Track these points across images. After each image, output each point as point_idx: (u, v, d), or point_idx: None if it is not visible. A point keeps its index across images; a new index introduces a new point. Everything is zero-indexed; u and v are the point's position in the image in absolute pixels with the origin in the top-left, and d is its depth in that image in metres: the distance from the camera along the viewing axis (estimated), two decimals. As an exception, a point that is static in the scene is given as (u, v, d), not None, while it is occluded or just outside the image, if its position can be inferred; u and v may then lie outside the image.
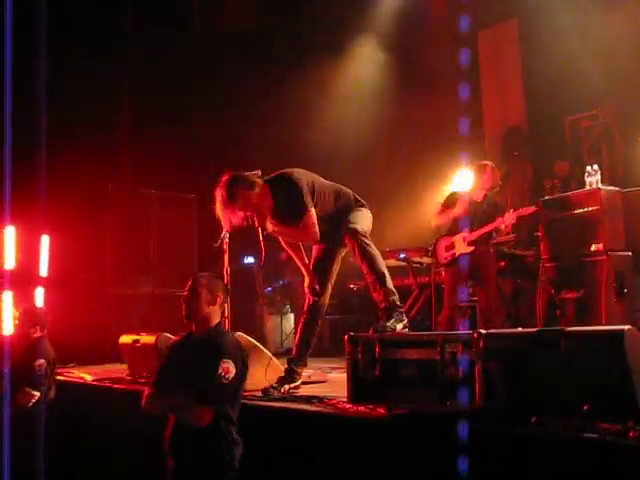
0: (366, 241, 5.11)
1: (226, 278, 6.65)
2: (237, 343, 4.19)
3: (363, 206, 5.45)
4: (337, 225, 5.23)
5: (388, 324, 4.87)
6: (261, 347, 5.50)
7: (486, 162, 7.63)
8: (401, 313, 5.06)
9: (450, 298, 7.25)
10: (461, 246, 7.34)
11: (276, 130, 11.51)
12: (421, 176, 10.87)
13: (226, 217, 5.08)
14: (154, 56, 11.02)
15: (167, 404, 4.00)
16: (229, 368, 3.91)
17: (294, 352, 5.45)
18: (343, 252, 5.54)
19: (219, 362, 3.91)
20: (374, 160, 11.84)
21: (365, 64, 11.88)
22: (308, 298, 5.48)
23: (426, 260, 8.84)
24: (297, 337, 5.48)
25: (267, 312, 10.84)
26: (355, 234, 5.09)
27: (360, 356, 4.39)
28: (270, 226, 5.08)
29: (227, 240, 6.53)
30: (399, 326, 4.93)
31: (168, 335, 6.10)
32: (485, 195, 7.41)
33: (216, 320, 4.18)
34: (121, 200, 10.26)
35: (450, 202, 7.45)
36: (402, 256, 9.00)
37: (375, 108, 11.27)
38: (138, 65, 11.36)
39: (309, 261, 5.59)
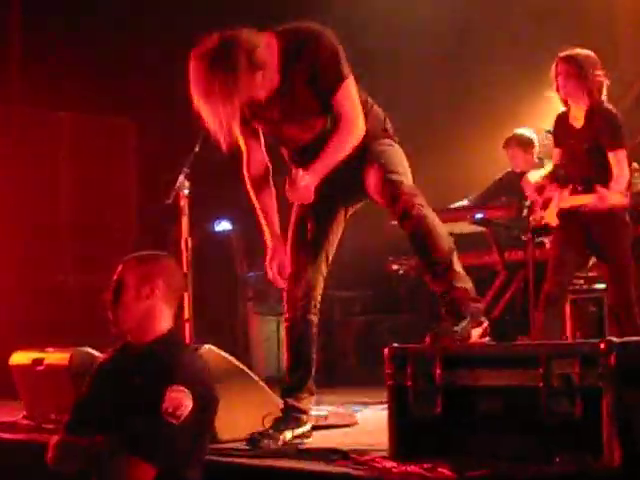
0: (419, 202, 5.10)
1: (184, 256, 6.71)
2: (197, 361, 4.21)
3: (392, 138, 5.48)
4: (348, 166, 5.22)
5: (457, 329, 4.88)
6: (245, 369, 5.53)
7: (579, 51, 7.63)
8: (478, 311, 5.07)
9: (556, 277, 7.26)
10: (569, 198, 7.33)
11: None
12: (504, 92, 10.87)
13: (221, 113, 5.05)
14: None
15: (86, 456, 4.02)
16: (181, 400, 3.91)
17: (288, 378, 5.51)
18: (349, 212, 5.65)
19: (165, 391, 3.92)
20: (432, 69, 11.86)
21: None
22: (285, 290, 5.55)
23: (521, 222, 8.81)
24: (286, 354, 5.55)
25: (254, 311, 10.88)
26: (402, 193, 5.08)
27: (410, 382, 4.40)
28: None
29: (186, 192, 6.57)
30: (475, 332, 4.94)
31: (90, 351, 6.13)
32: (587, 115, 7.37)
33: (163, 325, 4.20)
34: (19, 124, 10.46)
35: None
36: (479, 217, 8.97)
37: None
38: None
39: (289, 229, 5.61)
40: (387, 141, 5.38)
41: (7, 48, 11.65)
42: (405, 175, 5.22)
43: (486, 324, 5.07)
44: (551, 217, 7.13)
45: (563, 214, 6.96)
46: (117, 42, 11.60)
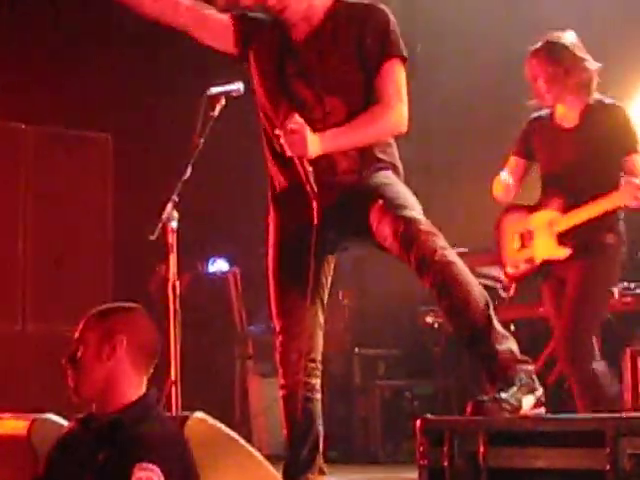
0: (441, 245, 5.09)
1: (171, 303, 6.72)
2: (173, 434, 4.21)
3: (396, 170, 5.53)
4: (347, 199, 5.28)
5: (504, 397, 4.87)
6: (243, 443, 5.52)
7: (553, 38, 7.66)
8: (529, 375, 5.06)
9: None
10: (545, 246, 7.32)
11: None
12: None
13: None
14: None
15: None
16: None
17: (290, 456, 5.54)
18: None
19: (133, 470, 3.92)
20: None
21: None
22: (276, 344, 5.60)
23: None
24: (285, 428, 5.58)
25: (254, 372, 10.89)
26: (417, 230, 5.07)
27: (447, 462, 4.40)
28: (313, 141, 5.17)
29: (173, 225, 6.59)
30: (527, 401, 4.93)
31: (54, 419, 6.13)
32: (584, 114, 7.37)
33: (130, 391, 4.20)
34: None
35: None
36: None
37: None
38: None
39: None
40: (391, 174, 5.42)
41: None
42: (417, 210, 5.22)
43: (540, 392, 5.06)
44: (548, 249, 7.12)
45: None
46: (90, 52, 11.73)
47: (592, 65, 6.74)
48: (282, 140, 5.15)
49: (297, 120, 5.09)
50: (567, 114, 6.85)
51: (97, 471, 4.00)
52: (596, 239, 6.73)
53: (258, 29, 5.55)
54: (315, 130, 5.24)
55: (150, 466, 3.88)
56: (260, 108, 5.60)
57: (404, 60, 5.36)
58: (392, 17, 5.37)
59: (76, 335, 4.19)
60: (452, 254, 5.07)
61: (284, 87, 5.44)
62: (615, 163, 6.77)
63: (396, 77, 5.30)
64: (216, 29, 5.59)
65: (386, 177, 5.31)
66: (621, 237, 6.82)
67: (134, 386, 4.19)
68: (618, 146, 6.74)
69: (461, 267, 5.06)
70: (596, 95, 6.84)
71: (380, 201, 5.13)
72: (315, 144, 5.11)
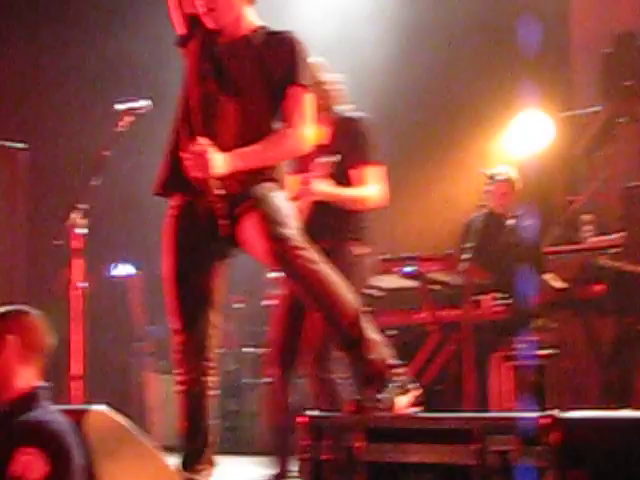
0: (311, 258, 5.11)
1: (75, 305, 6.66)
2: (57, 421, 4.15)
3: (280, 184, 5.49)
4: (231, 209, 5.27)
5: (384, 396, 4.88)
6: (140, 435, 5.47)
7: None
8: (404, 377, 5.07)
9: None
10: None
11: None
12: (445, 127, 10.98)
13: None
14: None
15: None
16: (31, 463, 3.87)
17: (185, 448, 5.49)
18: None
19: (12, 453, 3.88)
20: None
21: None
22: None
23: (455, 279, 8.88)
24: (180, 421, 5.53)
25: (152, 370, 10.83)
26: (289, 248, 5.07)
27: (328, 456, 4.37)
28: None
29: (80, 232, 6.54)
30: (401, 401, 4.94)
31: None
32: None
33: (19, 385, 4.19)
34: None
35: None
36: (410, 270, 9.02)
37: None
38: None
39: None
40: (273, 185, 5.38)
41: None
42: (293, 226, 5.20)
43: (415, 392, 5.07)
44: None
45: None
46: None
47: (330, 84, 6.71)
48: (186, 162, 5.12)
49: (202, 143, 5.07)
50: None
51: None
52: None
53: (197, 25, 5.53)
54: (214, 125, 5.32)
55: (31, 450, 3.86)
56: (183, 100, 5.54)
57: (304, 85, 5.38)
58: (304, 47, 5.41)
59: None
60: (322, 268, 5.08)
61: (200, 81, 5.43)
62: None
63: (301, 102, 5.33)
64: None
65: (269, 190, 5.28)
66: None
67: (24, 380, 4.17)
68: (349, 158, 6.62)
69: (331, 281, 5.08)
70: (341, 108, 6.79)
71: (260, 215, 5.14)
72: (221, 163, 5.09)
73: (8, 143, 10.74)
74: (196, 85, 5.42)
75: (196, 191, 5.21)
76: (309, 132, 5.36)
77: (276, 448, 6.66)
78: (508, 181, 9.43)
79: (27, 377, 4.20)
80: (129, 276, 11.00)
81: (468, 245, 8.73)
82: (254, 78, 5.38)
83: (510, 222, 9.32)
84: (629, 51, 11.03)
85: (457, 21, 11.30)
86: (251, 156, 5.21)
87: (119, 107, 6.33)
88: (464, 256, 8.56)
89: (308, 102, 5.39)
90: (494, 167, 9.14)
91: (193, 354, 5.42)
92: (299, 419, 4.55)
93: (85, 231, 6.54)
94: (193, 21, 5.49)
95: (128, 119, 6.35)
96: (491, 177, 8.65)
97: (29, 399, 4.16)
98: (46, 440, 3.96)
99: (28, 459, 3.86)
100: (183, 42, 5.56)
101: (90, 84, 11.51)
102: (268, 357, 6.76)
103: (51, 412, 4.19)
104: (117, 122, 6.33)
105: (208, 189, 5.13)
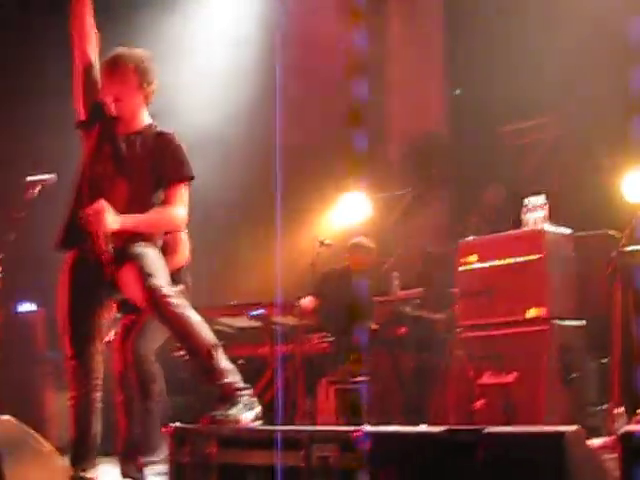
0: (176, 303, 5.12)
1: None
2: None
3: (155, 243, 5.47)
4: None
5: (232, 412, 4.87)
6: (39, 438, 5.40)
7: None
8: (250, 397, 5.07)
9: None
10: None
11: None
12: (289, 200, 10.95)
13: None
14: None
15: None
16: None
17: (74, 450, 5.32)
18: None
19: None
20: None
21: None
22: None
23: (291, 320, 8.91)
24: (71, 429, 5.37)
25: (52, 387, 10.65)
26: (157, 295, 5.08)
27: (188, 459, 4.36)
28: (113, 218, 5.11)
29: (-2, 276, 6.46)
30: (247, 416, 4.93)
31: None
32: None
33: None
34: None
35: None
36: (257, 312, 9.02)
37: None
38: None
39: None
40: (147, 243, 5.35)
41: None
42: (162, 277, 5.18)
43: (258, 409, 5.08)
44: None
45: None
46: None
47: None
48: (87, 216, 5.08)
49: (101, 203, 5.05)
50: None
51: None
52: None
53: (100, 113, 5.49)
54: (104, 196, 5.22)
55: None
56: (82, 174, 5.45)
57: (189, 179, 5.41)
58: (183, 146, 5.45)
59: None
60: (185, 312, 5.07)
61: (99, 160, 5.38)
62: None
63: (179, 192, 5.35)
64: (89, 85, 5.54)
65: (145, 247, 5.24)
66: None
67: None
68: None
69: (192, 322, 5.06)
70: None
71: (137, 267, 5.09)
72: (113, 221, 5.07)
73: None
74: (94, 163, 5.40)
75: (87, 245, 5.18)
76: (183, 212, 5.35)
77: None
78: (363, 247, 9.56)
79: None
80: (32, 312, 10.84)
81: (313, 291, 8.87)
82: (144, 166, 5.35)
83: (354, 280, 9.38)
84: (433, 147, 11.23)
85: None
86: (137, 221, 5.20)
87: (30, 179, 6.24)
88: (302, 302, 8.65)
89: (185, 191, 5.39)
90: (324, 235, 9.19)
91: (82, 376, 5.33)
92: (165, 429, 4.54)
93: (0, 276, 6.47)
94: (95, 109, 5.46)
95: (36, 189, 6.27)
96: (321, 242, 8.70)
97: None
98: None
99: None
100: (84, 126, 5.53)
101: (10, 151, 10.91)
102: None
103: None
104: (28, 191, 6.25)
105: (99, 241, 5.12)
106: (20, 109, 10.73)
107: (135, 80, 5.42)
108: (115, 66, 5.42)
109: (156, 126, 5.53)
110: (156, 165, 5.37)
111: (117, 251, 5.19)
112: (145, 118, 5.53)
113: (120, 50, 5.49)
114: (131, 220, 5.20)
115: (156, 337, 5.84)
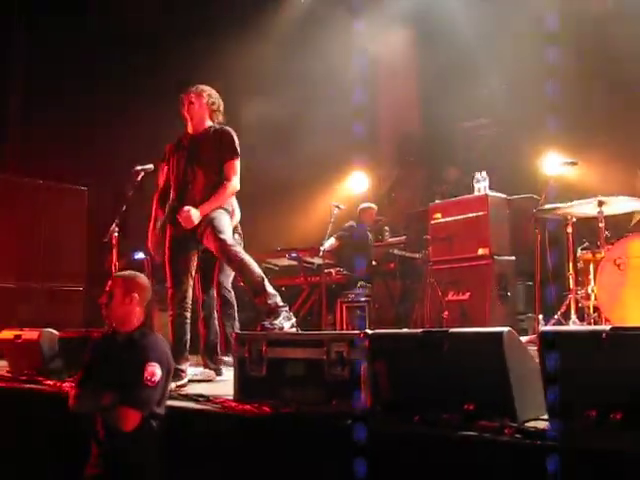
0: (237, 250, 5.13)
1: (113, 273, 6.57)
2: (163, 345, 4.06)
3: (227, 210, 5.43)
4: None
5: (276, 322, 4.89)
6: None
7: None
8: (288, 312, 5.08)
9: None
10: None
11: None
12: (314, 176, 10.91)
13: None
14: (50, 37, 10.67)
15: (96, 405, 3.85)
16: (154, 371, 3.80)
17: (172, 351, 5.38)
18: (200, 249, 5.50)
19: (145, 365, 3.81)
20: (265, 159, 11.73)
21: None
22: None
23: (317, 260, 8.92)
24: (171, 337, 5.39)
25: (156, 309, 10.67)
26: (224, 245, 5.11)
27: (247, 355, 4.35)
28: (194, 214, 5.17)
29: (116, 235, 6.47)
30: (287, 324, 4.94)
31: (52, 331, 5.92)
32: None
33: (137, 320, 4.06)
34: (6, 189, 9.87)
35: None
36: (293, 255, 9.05)
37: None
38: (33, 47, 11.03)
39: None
40: (221, 210, 5.33)
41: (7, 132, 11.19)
42: (228, 234, 5.20)
43: (294, 320, 5.08)
44: None
45: None
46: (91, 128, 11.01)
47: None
48: (179, 217, 5.19)
49: (185, 211, 5.15)
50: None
51: (121, 367, 3.91)
52: None
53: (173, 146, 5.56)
54: (187, 190, 5.32)
55: (154, 364, 3.86)
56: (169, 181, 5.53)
57: (237, 156, 5.36)
58: (234, 134, 5.40)
59: (107, 289, 4.11)
60: (243, 254, 5.11)
61: (179, 164, 5.42)
62: None
63: (234, 167, 5.31)
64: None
65: (219, 212, 5.26)
66: None
67: (138, 317, 4.09)
68: None
69: (248, 260, 5.09)
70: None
71: (211, 226, 5.14)
72: (196, 215, 5.15)
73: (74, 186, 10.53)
74: (175, 166, 5.46)
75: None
76: (236, 182, 5.33)
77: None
78: (372, 208, 9.52)
79: (140, 316, 4.09)
80: (143, 258, 10.82)
81: (331, 241, 8.83)
82: (209, 154, 5.35)
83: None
84: (410, 142, 11.16)
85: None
86: (210, 206, 5.22)
87: (137, 168, 6.24)
88: (325, 247, 8.63)
89: (236, 164, 5.35)
90: (338, 201, 9.14)
91: (177, 300, 5.35)
92: (247, 334, 4.57)
93: (117, 234, 6.49)
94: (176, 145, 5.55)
95: (140, 175, 6.25)
96: (336, 206, 8.66)
97: (143, 329, 4.07)
98: (162, 357, 3.94)
99: (152, 370, 3.81)
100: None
101: (132, 144, 10.66)
102: None
103: (158, 338, 4.09)
104: (136, 176, 6.24)
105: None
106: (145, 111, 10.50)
107: (206, 106, 5.48)
108: (195, 92, 5.47)
109: (213, 126, 5.51)
110: (216, 151, 5.35)
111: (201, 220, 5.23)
112: (207, 123, 5.51)
113: (201, 86, 5.54)
114: (207, 207, 5.22)
115: (229, 273, 5.82)
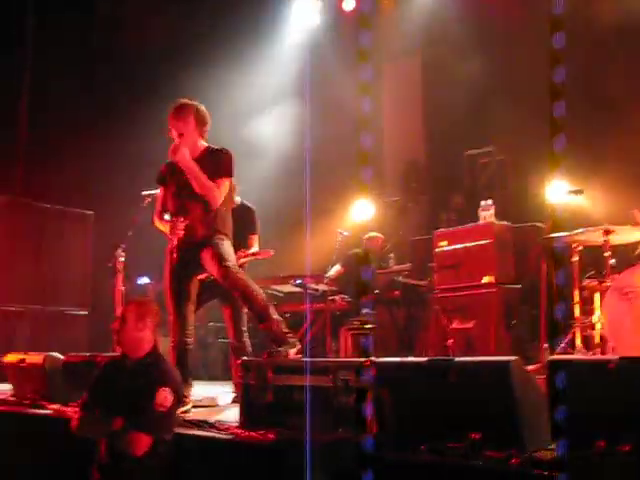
0: (242, 277, 5.10)
1: (118, 298, 6.58)
2: (174, 371, 4.11)
3: (227, 235, 5.38)
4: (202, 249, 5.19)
5: (281, 349, 4.88)
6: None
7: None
8: (293, 339, 5.07)
9: None
10: None
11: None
12: (319, 203, 10.91)
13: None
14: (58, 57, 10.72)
15: (106, 429, 3.86)
16: (167, 397, 3.83)
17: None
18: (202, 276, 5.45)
19: (157, 391, 3.82)
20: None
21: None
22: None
23: (322, 287, 8.90)
24: (172, 361, 5.38)
25: (159, 333, 10.67)
26: (228, 272, 5.06)
27: (252, 381, 4.36)
28: (186, 152, 5.12)
29: (121, 259, 6.50)
30: (292, 351, 4.94)
31: (56, 355, 5.93)
32: None
33: (148, 346, 4.10)
34: (13, 212, 9.90)
35: None
36: (298, 282, 9.01)
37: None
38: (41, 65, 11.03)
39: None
40: (222, 236, 5.27)
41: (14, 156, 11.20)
42: (232, 260, 5.15)
43: (299, 346, 5.07)
44: None
45: None
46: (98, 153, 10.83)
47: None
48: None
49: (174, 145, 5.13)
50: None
51: (132, 391, 3.96)
52: None
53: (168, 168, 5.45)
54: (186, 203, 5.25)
55: (167, 389, 3.89)
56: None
57: (229, 176, 5.30)
58: (232, 153, 5.32)
59: (120, 314, 4.27)
60: (248, 281, 5.08)
61: (177, 185, 5.31)
62: None
63: (222, 184, 5.22)
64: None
65: (220, 239, 5.22)
66: None
67: (149, 342, 4.16)
68: None
69: (252, 287, 5.07)
70: None
71: (215, 252, 5.10)
72: (185, 155, 5.14)
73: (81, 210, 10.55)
74: (173, 187, 5.37)
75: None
76: (219, 195, 5.17)
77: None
78: (378, 237, 9.47)
79: (151, 341, 4.17)
80: (147, 283, 10.83)
81: (336, 267, 8.80)
82: (206, 174, 5.19)
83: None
84: (413, 170, 11.18)
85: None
86: (195, 172, 5.16)
87: (144, 192, 6.26)
88: (329, 274, 8.61)
89: (226, 184, 5.26)
90: (342, 228, 9.13)
91: (178, 327, 5.31)
92: (238, 361, 4.56)
93: (123, 259, 6.52)
94: (169, 168, 5.41)
95: (148, 200, 6.28)
96: (340, 233, 8.66)
97: (154, 354, 4.14)
98: (174, 382, 4.00)
99: (165, 395, 3.87)
100: (162, 181, 5.48)
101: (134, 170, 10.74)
102: None
103: (168, 363, 4.22)
104: (143, 200, 6.27)
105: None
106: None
107: (193, 121, 5.31)
108: (180, 110, 5.31)
109: (211, 147, 5.39)
110: (212, 170, 5.21)
111: (203, 240, 5.20)
112: (201, 145, 5.38)
113: (184, 100, 5.36)
114: (193, 165, 5.15)
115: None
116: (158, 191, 5.74)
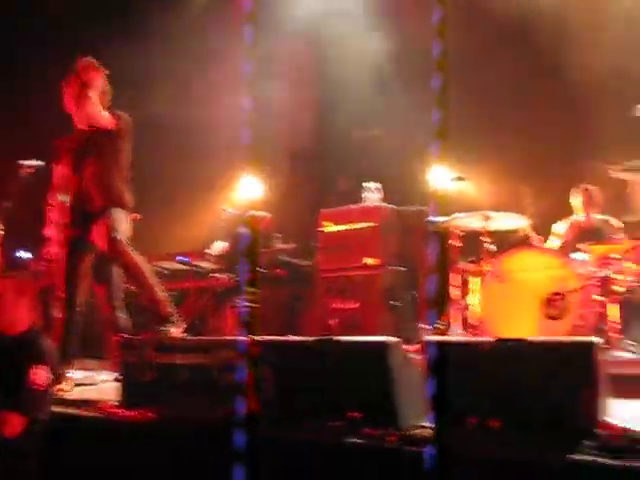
0: (129, 251, 5.03)
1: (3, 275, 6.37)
2: (52, 348, 4.00)
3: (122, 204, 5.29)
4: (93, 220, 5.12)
5: (163, 328, 4.85)
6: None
7: None
8: (176, 317, 5.05)
9: None
10: None
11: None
12: (201, 180, 10.80)
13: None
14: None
15: None
16: (42, 375, 3.72)
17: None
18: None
19: (32, 368, 3.71)
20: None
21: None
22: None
23: (206, 265, 8.85)
24: (57, 338, 5.21)
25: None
26: (119, 245, 5.00)
27: (133, 359, 4.32)
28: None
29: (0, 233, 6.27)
30: (175, 330, 4.92)
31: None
32: None
33: (27, 322, 3.99)
34: None
35: None
36: (182, 259, 8.94)
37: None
38: None
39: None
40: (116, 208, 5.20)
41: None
42: (122, 234, 5.08)
43: (183, 326, 5.06)
44: None
45: None
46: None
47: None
48: None
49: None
50: None
51: (6, 370, 3.83)
52: None
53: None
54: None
55: (43, 367, 3.80)
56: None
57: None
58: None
59: None
60: (134, 255, 5.03)
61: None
62: None
63: None
64: None
65: (116, 211, 5.13)
66: None
67: (27, 319, 4.03)
68: None
69: (140, 262, 5.04)
70: None
71: (106, 224, 5.00)
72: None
73: None
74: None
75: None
76: None
77: None
78: (264, 217, 9.40)
79: (28, 319, 4.03)
80: (28, 259, 10.48)
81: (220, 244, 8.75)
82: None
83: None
84: (305, 150, 11.22)
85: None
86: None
87: (24, 162, 6.00)
88: (212, 251, 8.55)
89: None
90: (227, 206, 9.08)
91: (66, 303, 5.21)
92: (117, 339, 4.50)
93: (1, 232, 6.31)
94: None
95: (29, 171, 6.03)
96: (224, 210, 8.61)
97: (32, 332, 4.01)
98: (51, 360, 3.91)
99: (41, 372, 3.76)
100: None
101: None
102: None
103: (47, 340, 4.05)
104: (21, 172, 6.00)
105: None
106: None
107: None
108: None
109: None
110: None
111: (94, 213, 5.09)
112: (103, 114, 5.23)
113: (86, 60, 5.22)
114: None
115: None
116: (40, 162, 5.59)
